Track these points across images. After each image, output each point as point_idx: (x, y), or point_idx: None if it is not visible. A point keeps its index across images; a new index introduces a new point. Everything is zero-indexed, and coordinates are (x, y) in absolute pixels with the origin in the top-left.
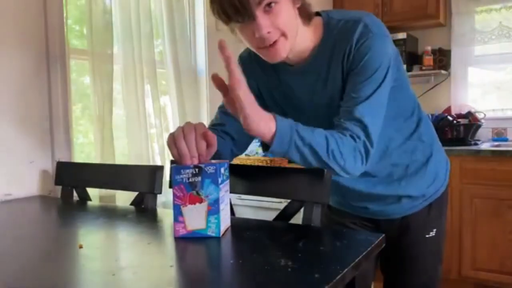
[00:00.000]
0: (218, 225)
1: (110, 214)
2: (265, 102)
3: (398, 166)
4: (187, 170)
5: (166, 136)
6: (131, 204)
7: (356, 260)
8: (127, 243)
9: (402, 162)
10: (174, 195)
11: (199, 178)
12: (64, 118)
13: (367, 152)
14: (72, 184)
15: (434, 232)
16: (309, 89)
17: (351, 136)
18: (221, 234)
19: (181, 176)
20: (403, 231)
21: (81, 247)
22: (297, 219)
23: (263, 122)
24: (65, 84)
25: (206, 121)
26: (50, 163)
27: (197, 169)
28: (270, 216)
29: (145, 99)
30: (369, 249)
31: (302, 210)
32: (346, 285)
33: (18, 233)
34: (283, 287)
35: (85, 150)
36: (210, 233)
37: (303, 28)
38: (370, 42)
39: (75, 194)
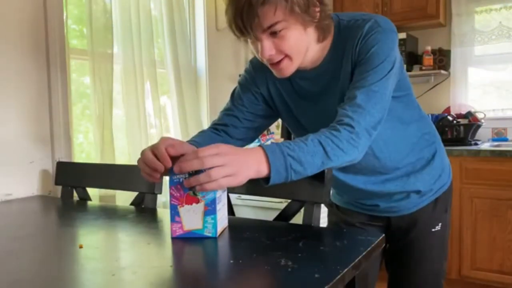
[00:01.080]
0: (214, 226)
1: (110, 214)
2: (276, 108)
3: (407, 165)
4: None
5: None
6: (131, 204)
7: (356, 260)
8: (127, 243)
9: (410, 160)
10: (171, 195)
11: None
12: (64, 118)
13: (370, 136)
14: (72, 184)
15: (439, 226)
16: (323, 89)
17: (348, 125)
18: (218, 234)
19: (178, 176)
20: (411, 226)
21: (81, 247)
22: (298, 219)
23: (257, 164)
24: (65, 84)
25: (206, 121)
26: (50, 163)
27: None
28: (270, 216)
29: (145, 99)
30: (369, 249)
31: (302, 210)
32: (346, 285)
33: (18, 233)
34: (283, 287)
35: (85, 150)
36: (207, 233)
37: (316, 45)
38: (378, 35)
39: (75, 194)
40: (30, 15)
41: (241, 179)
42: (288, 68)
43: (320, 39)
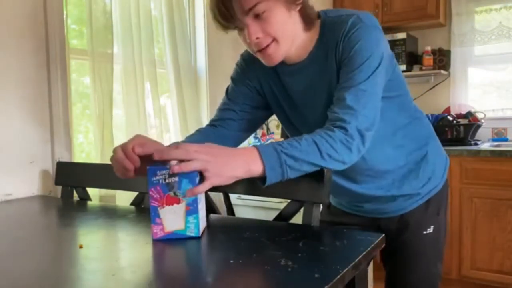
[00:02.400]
0: (197, 225)
1: (110, 214)
2: (267, 102)
3: (395, 169)
4: (163, 171)
5: (166, 136)
6: (131, 204)
7: (356, 260)
8: (127, 242)
9: (398, 164)
10: (151, 196)
11: (176, 179)
12: (64, 118)
13: (362, 136)
14: (72, 184)
15: (431, 229)
16: (309, 86)
17: (341, 127)
18: (200, 234)
19: (157, 177)
20: (402, 228)
21: (81, 247)
22: (297, 219)
23: (247, 164)
24: (65, 84)
25: (206, 120)
26: (50, 163)
27: None
28: (270, 216)
29: (145, 99)
30: (369, 249)
31: (302, 210)
32: (346, 285)
33: (18, 233)
34: (283, 287)
35: (85, 150)
36: (189, 233)
37: (303, 33)
38: (361, 32)
39: (75, 194)
40: (30, 15)
41: (225, 179)
42: (276, 53)
43: (306, 27)
